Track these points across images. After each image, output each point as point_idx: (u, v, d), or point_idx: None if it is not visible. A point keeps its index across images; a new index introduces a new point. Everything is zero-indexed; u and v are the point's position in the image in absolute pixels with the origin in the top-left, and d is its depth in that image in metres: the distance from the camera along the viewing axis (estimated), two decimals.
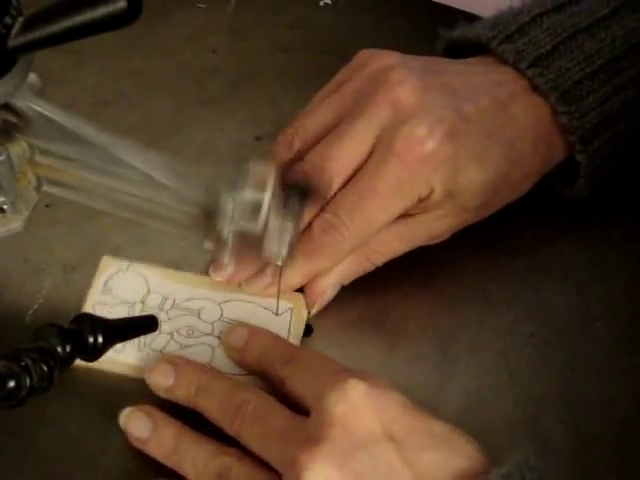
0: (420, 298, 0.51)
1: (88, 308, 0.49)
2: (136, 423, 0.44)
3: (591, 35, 0.51)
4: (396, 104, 0.49)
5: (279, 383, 0.45)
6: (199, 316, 0.49)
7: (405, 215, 0.49)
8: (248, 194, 0.44)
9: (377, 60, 0.51)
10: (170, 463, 0.43)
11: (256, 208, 0.44)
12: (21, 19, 0.35)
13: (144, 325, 0.44)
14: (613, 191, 0.54)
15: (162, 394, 0.45)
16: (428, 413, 0.41)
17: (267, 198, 0.44)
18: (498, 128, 0.50)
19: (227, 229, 0.44)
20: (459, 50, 0.54)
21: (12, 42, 0.35)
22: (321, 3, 0.67)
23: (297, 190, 0.46)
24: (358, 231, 0.48)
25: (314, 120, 0.51)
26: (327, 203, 0.49)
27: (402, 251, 0.50)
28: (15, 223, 0.43)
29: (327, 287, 0.50)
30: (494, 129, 0.50)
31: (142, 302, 0.50)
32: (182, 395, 0.45)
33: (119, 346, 0.46)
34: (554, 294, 0.52)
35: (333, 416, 0.40)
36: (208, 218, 0.45)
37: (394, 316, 0.50)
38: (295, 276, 0.49)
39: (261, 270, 0.50)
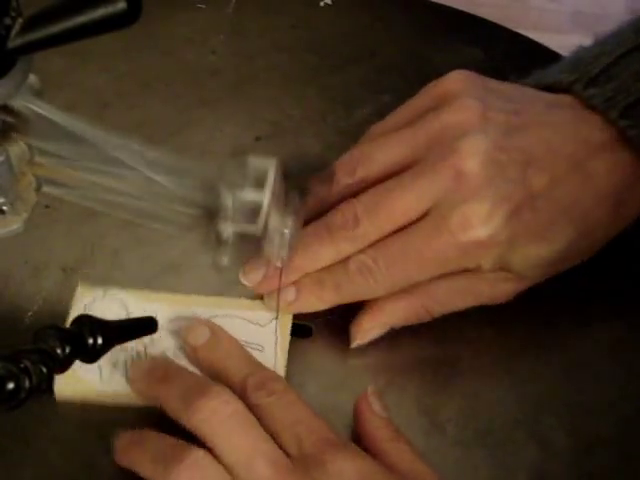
0: None
1: None
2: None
3: None
4: (461, 175, 0.46)
5: (245, 401, 0.43)
6: None
7: (469, 270, 0.48)
8: (248, 194, 0.44)
9: (458, 98, 0.49)
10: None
11: (256, 208, 0.44)
12: (21, 20, 0.35)
13: (144, 326, 0.44)
14: None
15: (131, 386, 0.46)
16: None
17: (267, 198, 0.44)
18: (574, 200, 0.48)
19: (227, 230, 0.44)
20: None
21: (12, 43, 0.34)
22: (321, 3, 0.67)
23: (297, 188, 0.46)
24: (392, 283, 0.48)
25: (382, 154, 0.49)
26: (370, 246, 0.48)
27: (462, 307, 0.49)
28: (15, 224, 0.43)
29: (374, 327, 0.49)
30: (569, 202, 0.48)
31: None
32: (143, 387, 0.45)
33: (105, 376, 0.46)
34: (554, 294, 0.52)
35: None
36: (208, 219, 0.45)
37: None
38: (318, 304, 0.49)
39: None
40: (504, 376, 0.48)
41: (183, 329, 0.48)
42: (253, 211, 0.43)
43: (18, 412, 0.37)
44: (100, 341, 0.39)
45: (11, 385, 0.36)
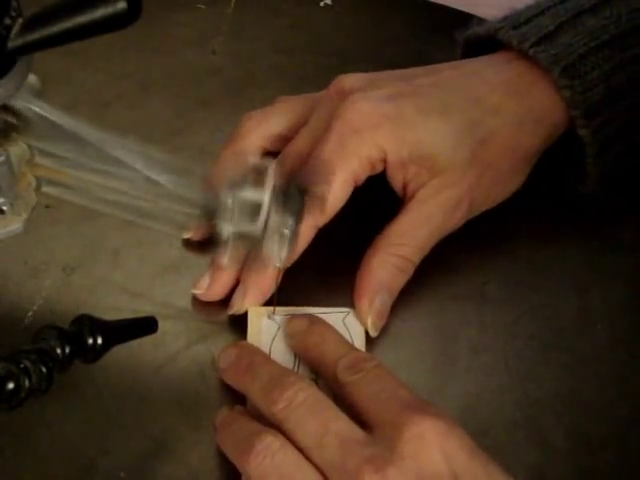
0: (420, 298, 0.51)
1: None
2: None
3: (595, 13, 0.51)
4: (343, 91, 0.50)
5: (335, 383, 0.44)
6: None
7: (408, 199, 0.49)
8: (248, 194, 0.44)
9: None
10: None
11: (256, 208, 0.44)
12: (21, 20, 0.35)
13: (144, 326, 0.44)
14: (611, 189, 0.54)
15: (222, 375, 0.47)
16: (488, 458, 0.41)
17: (267, 198, 0.44)
18: (464, 86, 0.50)
19: (227, 230, 0.44)
20: (476, 52, 0.54)
21: (12, 43, 0.34)
22: (321, 4, 0.67)
23: (297, 189, 0.46)
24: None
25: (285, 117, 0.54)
26: None
27: (428, 239, 0.49)
28: (15, 224, 0.43)
29: (370, 302, 0.48)
30: (458, 86, 0.50)
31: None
32: (232, 376, 0.46)
33: None
34: (554, 294, 0.52)
35: (405, 449, 0.39)
36: (208, 219, 0.45)
37: (394, 316, 0.50)
38: (269, 282, 0.49)
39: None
40: (504, 376, 0.48)
41: (285, 322, 0.48)
42: (253, 211, 0.44)
43: (18, 412, 0.37)
44: (100, 341, 0.39)
45: (11, 385, 0.36)
